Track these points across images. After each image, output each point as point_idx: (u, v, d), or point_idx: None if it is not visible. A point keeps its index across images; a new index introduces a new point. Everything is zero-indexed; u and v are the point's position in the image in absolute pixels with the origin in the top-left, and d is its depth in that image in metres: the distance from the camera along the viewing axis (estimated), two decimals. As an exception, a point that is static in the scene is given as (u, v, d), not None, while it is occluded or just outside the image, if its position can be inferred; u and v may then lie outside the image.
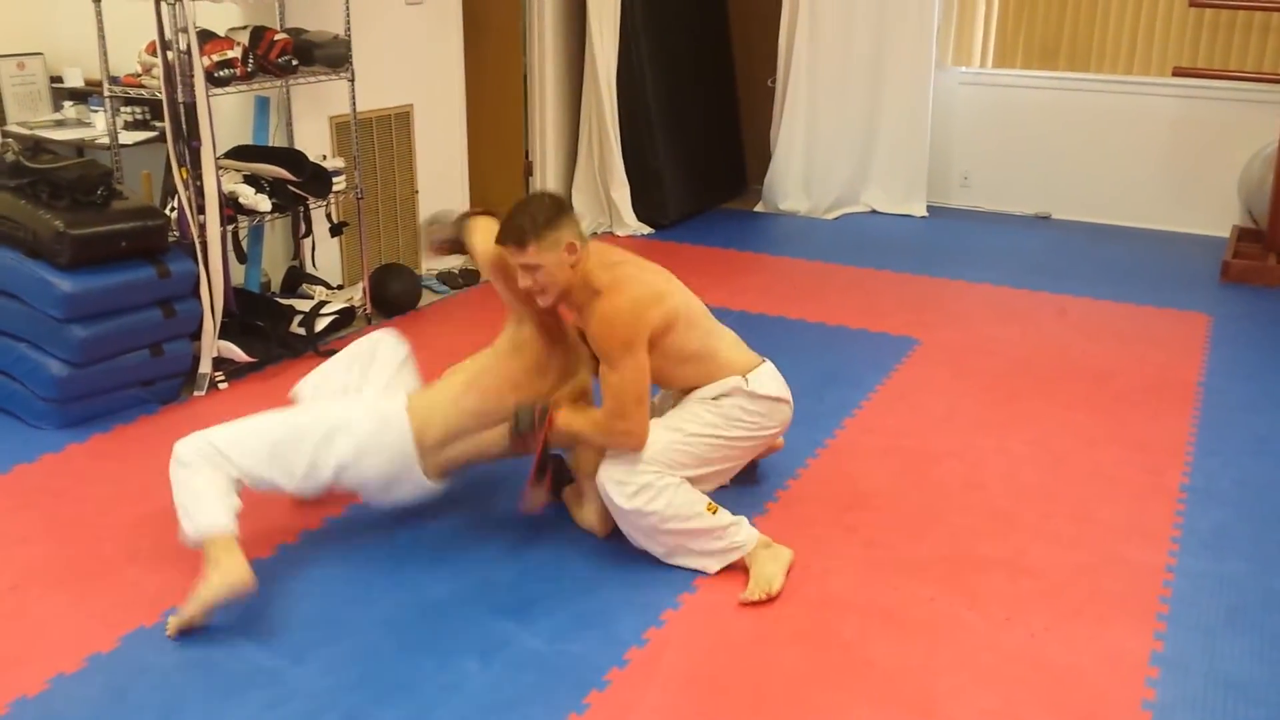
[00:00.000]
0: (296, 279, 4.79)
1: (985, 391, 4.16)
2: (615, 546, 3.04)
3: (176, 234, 3.96)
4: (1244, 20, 6.19)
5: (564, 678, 2.49)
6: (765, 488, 3.39)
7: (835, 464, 3.57)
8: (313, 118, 4.80)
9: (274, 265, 4.84)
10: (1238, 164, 6.24)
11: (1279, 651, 2.64)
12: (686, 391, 3.03)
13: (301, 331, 4.38)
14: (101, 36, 4.06)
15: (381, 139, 5.11)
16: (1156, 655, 2.62)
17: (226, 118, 4.48)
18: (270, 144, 4.64)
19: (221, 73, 3.96)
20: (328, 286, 4.81)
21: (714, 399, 2.97)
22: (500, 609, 2.75)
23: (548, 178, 6.44)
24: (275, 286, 4.82)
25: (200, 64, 3.84)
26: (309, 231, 4.69)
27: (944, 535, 3.14)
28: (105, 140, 4.29)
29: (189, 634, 2.61)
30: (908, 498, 3.36)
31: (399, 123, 5.21)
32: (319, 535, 3.08)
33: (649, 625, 2.69)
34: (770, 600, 2.78)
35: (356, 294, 4.84)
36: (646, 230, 6.43)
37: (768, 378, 3.07)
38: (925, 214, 6.85)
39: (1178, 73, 6.16)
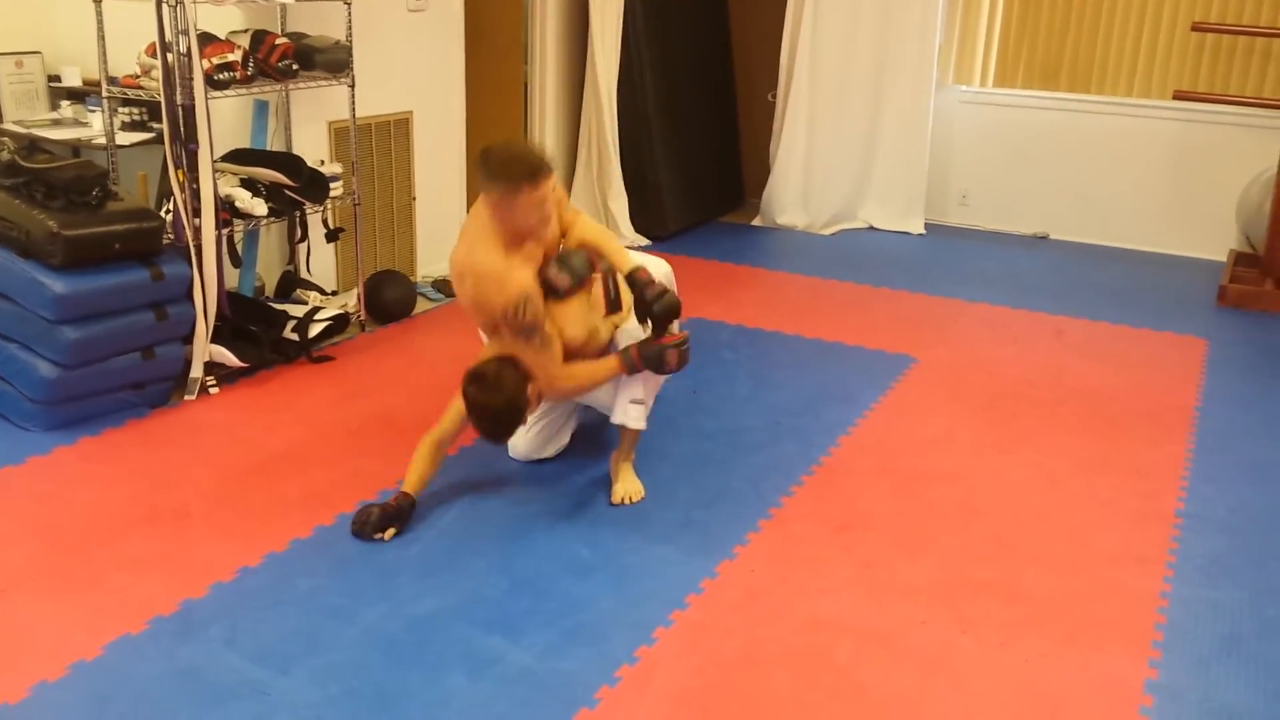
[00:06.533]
0: (291, 284, 4.76)
1: (982, 412, 4.15)
2: (606, 562, 3.02)
3: (171, 236, 3.93)
4: (1245, 45, 6.20)
5: (554, 695, 2.46)
6: (759, 504, 3.37)
7: (830, 482, 3.55)
8: (312, 123, 4.78)
9: (268, 270, 4.81)
10: (1236, 188, 6.25)
11: (1274, 681, 2.62)
12: None
13: (295, 337, 4.35)
14: (101, 37, 4.04)
15: (380, 145, 5.09)
16: (1151, 683, 2.60)
17: (225, 121, 4.46)
18: (268, 148, 4.61)
19: (221, 76, 3.93)
20: (322, 292, 4.79)
21: None
22: (489, 624, 2.72)
23: (546, 187, 6.41)
24: (269, 291, 4.79)
25: (200, 67, 3.82)
26: (304, 237, 4.66)
27: (939, 558, 3.12)
28: (102, 141, 4.27)
29: (173, 642, 2.58)
30: (903, 519, 3.34)
31: (398, 129, 5.18)
32: (308, 545, 3.05)
33: (640, 643, 2.66)
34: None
35: (351, 300, 4.82)
36: (644, 242, 6.41)
37: None
38: (923, 232, 6.85)
39: (1178, 96, 6.17)
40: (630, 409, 3.30)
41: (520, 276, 3.05)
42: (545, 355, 3.12)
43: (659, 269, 3.58)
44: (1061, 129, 6.67)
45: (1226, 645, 2.76)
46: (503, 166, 3.03)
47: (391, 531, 3.10)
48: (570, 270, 3.13)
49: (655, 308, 3.16)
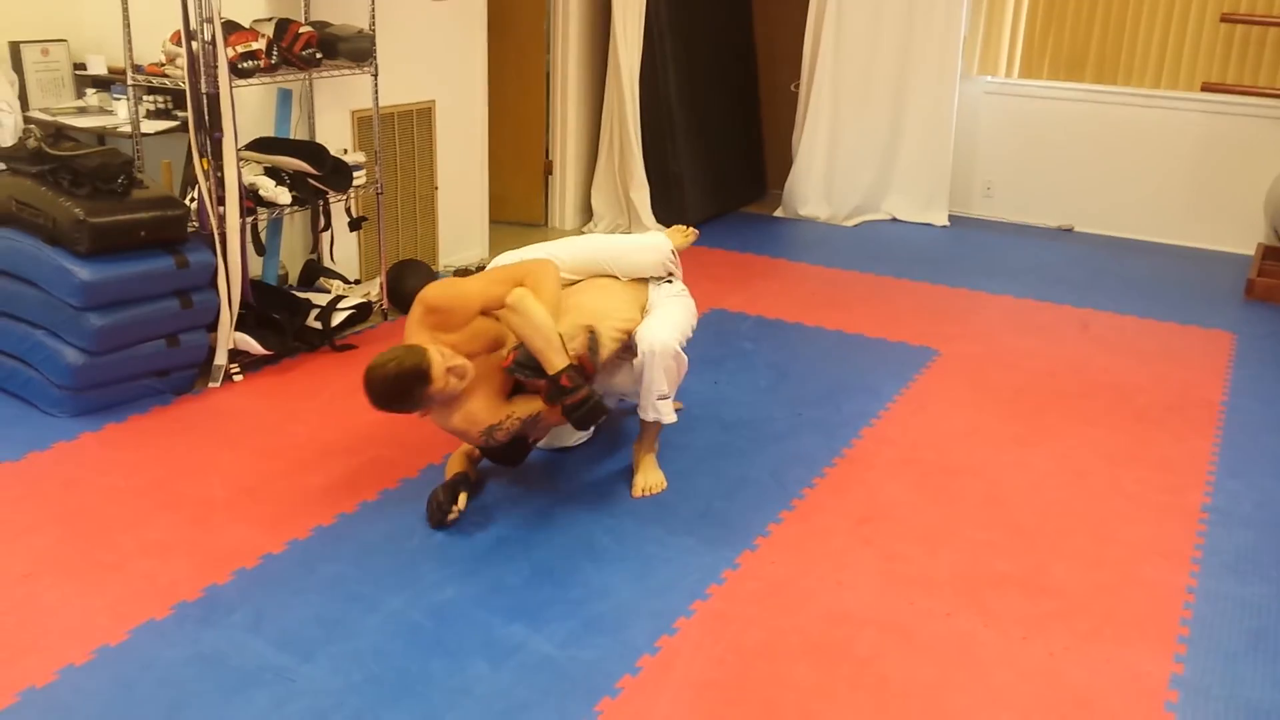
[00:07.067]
0: (314, 273, 4.78)
1: (1005, 405, 4.12)
2: (627, 552, 3.01)
3: (196, 224, 3.95)
4: (1274, 37, 6.13)
5: (576, 684, 2.47)
6: (781, 496, 3.36)
7: (853, 474, 3.53)
8: (335, 111, 4.79)
9: (292, 258, 4.83)
10: (1264, 181, 6.19)
11: (1302, 679, 2.60)
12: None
13: (318, 325, 4.36)
14: (126, 25, 4.05)
15: (403, 134, 5.10)
16: (1176, 678, 2.58)
17: (249, 109, 4.47)
18: (292, 136, 4.63)
19: (245, 64, 3.95)
20: (345, 281, 4.80)
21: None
22: (511, 612, 2.72)
23: (567, 178, 6.42)
24: (293, 279, 4.80)
25: (224, 55, 3.82)
26: (328, 225, 4.67)
27: (962, 550, 3.11)
28: (127, 129, 4.29)
29: (197, 628, 2.60)
30: (926, 511, 3.32)
31: (421, 119, 5.19)
32: (330, 532, 3.06)
33: (662, 633, 2.66)
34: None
35: (374, 289, 4.83)
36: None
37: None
38: (946, 223, 6.81)
39: (1206, 88, 6.11)
40: (659, 405, 3.29)
41: (475, 420, 3.03)
42: (532, 420, 3.14)
43: (659, 253, 3.54)
44: (1087, 121, 6.61)
45: (1253, 641, 2.74)
46: (385, 402, 2.92)
47: (464, 497, 3.12)
48: (534, 370, 3.03)
49: (572, 419, 3.06)
